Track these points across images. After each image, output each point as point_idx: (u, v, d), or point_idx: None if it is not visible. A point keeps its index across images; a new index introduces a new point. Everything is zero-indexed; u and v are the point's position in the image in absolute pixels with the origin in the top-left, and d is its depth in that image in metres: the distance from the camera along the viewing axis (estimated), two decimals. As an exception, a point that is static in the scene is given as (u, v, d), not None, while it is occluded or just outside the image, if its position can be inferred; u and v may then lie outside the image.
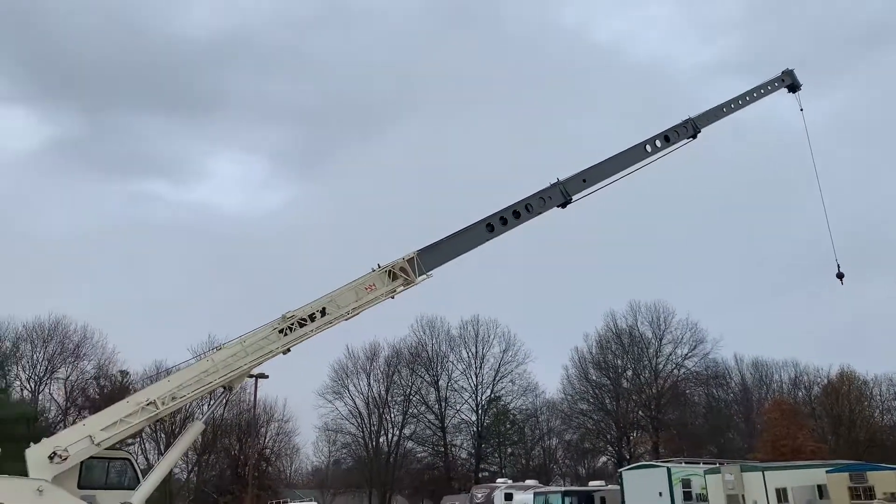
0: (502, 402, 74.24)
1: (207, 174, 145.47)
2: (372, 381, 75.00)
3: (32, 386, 56.53)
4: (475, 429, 72.72)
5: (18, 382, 54.42)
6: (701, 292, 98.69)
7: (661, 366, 70.20)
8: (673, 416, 67.77)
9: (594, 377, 72.10)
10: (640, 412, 69.50)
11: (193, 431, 19.35)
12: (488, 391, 73.57)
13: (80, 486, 16.07)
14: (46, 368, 58.06)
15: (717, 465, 34.53)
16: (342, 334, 78.10)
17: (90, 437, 16.25)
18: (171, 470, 49.86)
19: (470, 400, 73.55)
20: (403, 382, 74.62)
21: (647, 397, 68.40)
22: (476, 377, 73.49)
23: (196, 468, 62.99)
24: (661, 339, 70.27)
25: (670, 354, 70.10)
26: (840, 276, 29.66)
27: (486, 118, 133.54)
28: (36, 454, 15.70)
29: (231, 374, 18.22)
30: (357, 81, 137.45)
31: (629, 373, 71.73)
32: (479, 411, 73.03)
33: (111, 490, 16.62)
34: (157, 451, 55.16)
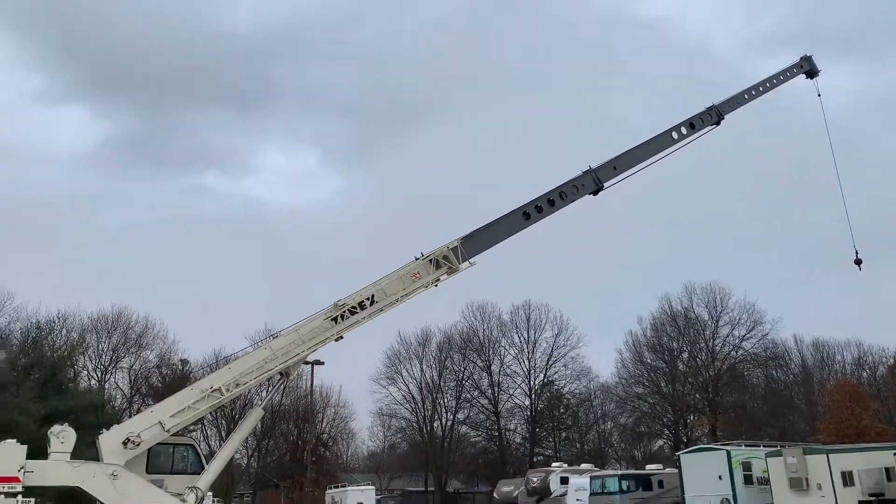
0: (556, 387, 74.03)
1: (256, 166, 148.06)
2: (424, 367, 75.62)
3: (99, 375, 58.65)
4: (529, 413, 72.73)
5: (86, 372, 56.40)
6: (759, 272, 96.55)
7: (717, 348, 68.90)
8: (731, 398, 66.52)
9: (649, 360, 71.23)
10: (696, 395, 68.44)
11: (253, 417, 19.87)
12: (541, 376, 73.50)
13: (148, 471, 16.66)
14: (111, 358, 60.12)
15: (779, 447, 33.78)
16: (393, 321, 78.78)
17: (160, 423, 16.84)
18: (233, 455, 51.34)
19: (523, 384, 73.61)
20: (456, 368, 75.01)
21: (704, 380, 67.25)
22: (528, 362, 73.46)
23: (256, 453, 64.54)
24: (717, 321, 68.95)
25: (727, 336, 68.73)
26: (858, 262, 29.30)
27: (533, 100, 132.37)
28: (110, 440, 16.29)
29: (289, 361, 18.79)
30: (403, 70, 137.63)
31: (685, 355, 70.64)
32: (533, 396, 72.97)
33: (177, 475, 17.19)
34: (218, 438, 56.65)
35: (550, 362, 73.14)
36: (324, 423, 69.68)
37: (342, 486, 49.75)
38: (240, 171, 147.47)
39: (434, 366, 75.38)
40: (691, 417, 67.61)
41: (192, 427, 21.95)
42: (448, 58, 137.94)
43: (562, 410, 74.40)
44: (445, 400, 75.87)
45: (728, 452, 33.52)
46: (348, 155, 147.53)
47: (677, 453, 38.70)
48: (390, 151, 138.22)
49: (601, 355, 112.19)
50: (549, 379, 73.59)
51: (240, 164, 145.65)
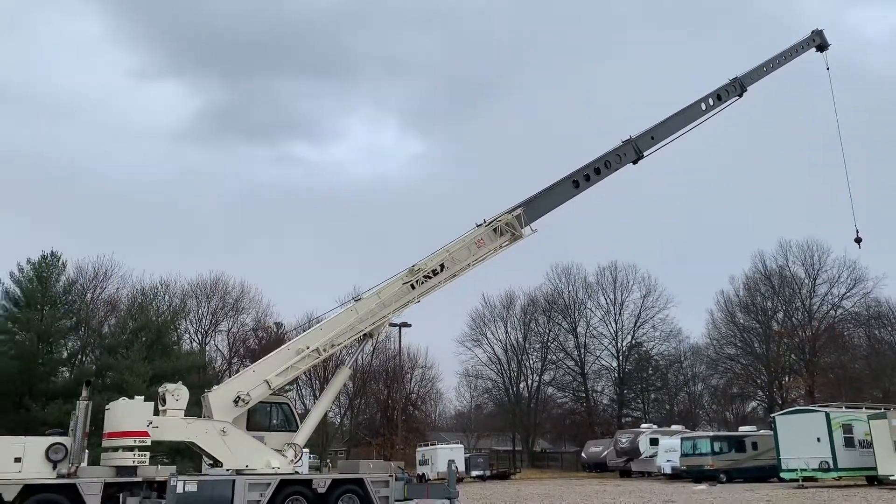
0: (644, 349, 73.07)
1: (341, 134, 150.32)
2: (509, 329, 76.02)
3: (200, 338, 61.70)
4: (616, 375, 72.14)
5: (187, 335, 59.41)
6: (860, 227, 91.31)
7: (815, 307, 66.18)
8: (829, 359, 63.84)
9: (742, 321, 69.15)
10: (792, 356, 66.09)
11: (342, 377, 20.55)
12: (629, 337, 72.64)
13: (248, 429, 17.50)
14: (210, 322, 63.12)
15: (882, 410, 32.37)
16: (477, 284, 79.44)
17: (266, 381, 17.63)
18: (326, 413, 53.13)
19: (610, 346, 72.93)
20: (541, 330, 75.06)
21: (801, 340, 64.78)
22: (616, 323, 72.65)
23: (349, 412, 66.80)
24: (815, 279, 66.10)
25: (826, 295, 65.85)
26: (858, 240, 29.39)
27: (613, 60, 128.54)
28: (220, 398, 17.12)
29: (377, 323, 19.56)
30: (483, 37, 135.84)
31: (780, 315, 68.23)
32: (620, 357, 72.28)
33: (275, 432, 17.99)
34: (312, 396, 58.87)
35: (638, 324, 72.20)
36: (412, 384, 71.33)
37: (432, 445, 50.95)
38: (326, 139, 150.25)
39: (519, 328, 75.76)
40: (787, 379, 65.41)
41: (286, 386, 22.86)
42: (528, 24, 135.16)
43: (650, 372, 73.47)
44: (531, 361, 76.27)
45: (827, 414, 32.44)
46: (428, 122, 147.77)
47: (772, 415, 37.70)
48: (469, 118, 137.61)
49: (691, 316, 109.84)
50: (637, 340, 72.71)
51: (326, 132, 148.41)
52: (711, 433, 44.57)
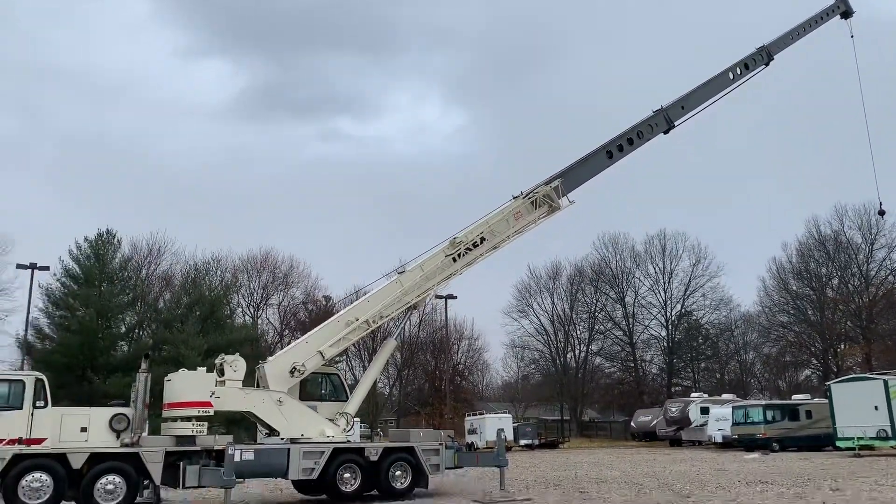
0: (694, 317, 72.12)
1: (386, 107, 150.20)
2: (556, 300, 75.81)
3: (252, 312, 63.12)
4: (665, 344, 71.44)
5: (240, 309, 60.79)
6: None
7: (872, 273, 64.20)
8: (887, 325, 62.02)
9: (795, 288, 67.59)
10: (848, 323, 64.41)
11: (389, 348, 20.82)
12: (678, 306, 71.74)
13: (301, 399, 17.90)
14: (262, 296, 64.50)
15: (944, 377, 31.47)
16: (522, 255, 79.23)
17: (320, 352, 18.00)
18: (375, 383, 53.91)
19: (659, 315, 72.18)
20: (588, 300, 74.67)
21: (857, 307, 63.02)
22: (664, 293, 71.76)
23: (398, 383, 67.70)
24: (872, 244, 63.99)
25: (884, 260, 63.76)
26: (882, 212, 29.61)
27: (662, 30, 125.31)
28: (276, 368, 17.47)
29: (422, 295, 19.80)
30: (528, 6, 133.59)
31: (835, 282, 66.42)
32: (669, 327, 71.48)
33: (326, 402, 18.37)
34: (361, 367, 59.78)
35: (688, 292, 71.23)
36: (459, 355, 71.86)
37: (480, 414, 51.39)
38: (370, 113, 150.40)
39: (565, 298, 75.47)
40: (842, 346, 63.91)
41: (336, 358, 23.31)
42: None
43: (700, 341, 72.55)
44: (578, 332, 76.03)
45: (885, 382, 31.66)
46: (471, 94, 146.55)
47: (827, 383, 36.97)
48: (514, 89, 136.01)
49: (742, 284, 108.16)
50: (687, 309, 71.79)
51: (370, 106, 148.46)
52: (764, 402, 43.99)
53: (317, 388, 18.57)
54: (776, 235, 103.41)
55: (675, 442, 48.40)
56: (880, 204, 29.13)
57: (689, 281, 70.81)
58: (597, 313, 73.85)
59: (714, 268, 70.20)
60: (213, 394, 16.29)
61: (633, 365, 71.84)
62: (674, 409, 48.24)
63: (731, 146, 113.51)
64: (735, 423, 40.04)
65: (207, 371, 16.99)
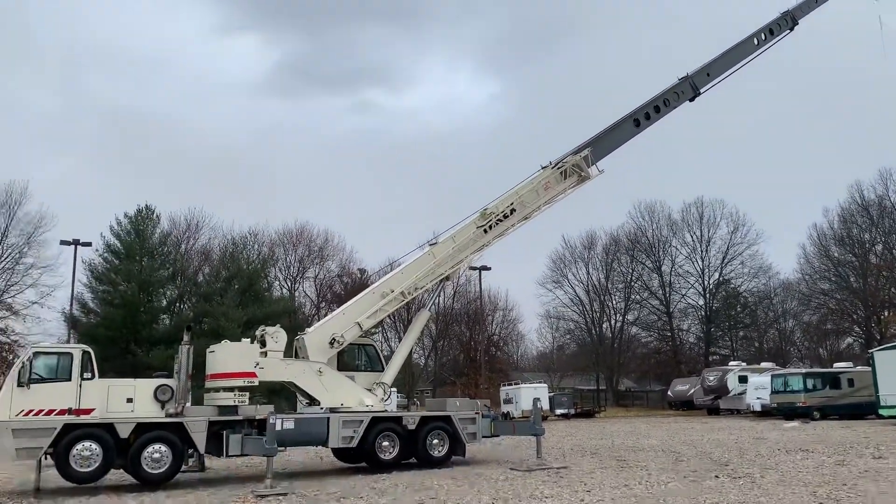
0: (732, 286, 71.16)
1: (417, 78, 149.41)
2: (591, 270, 75.42)
3: (289, 284, 63.97)
4: (703, 313, 70.69)
5: (277, 282, 61.65)
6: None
7: (918, 238, 62.62)
8: (933, 292, 60.66)
9: (836, 254, 66.14)
10: (891, 289, 62.96)
11: (422, 319, 20.98)
12: (716, 275, 70.78)
13: (338, 369, 18.15)
14: (298, 269, 65.27)
15: None
16: (556, 225, 78.73)
17: (358, 324, 18.24)
18: (411, 354, 54.35)
19: (696, 284, 71.38)
20: (623, 269, 74.16)
21: (902, 273, 61.61)
22: (702, 261, 70.87)
23: (433, 353, 68.23)
24: (918, 208, 62.35)
25: (931, 224, 62.13)
26: None
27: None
28: (316, 340, 17.75)
29: (455, 266, 20.02)
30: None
31: (878, 247, 64.82)
32: (707, 295, 70.66)
33: (363, 372, 18.61)
34: (396, 338, 60.32)
35: (726, 260, 70.22)
36: (493, 326, 72.05)
37: (515, 384, 51.61)
38: (402, 84, 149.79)
39: (601, 268, 75.05)
40: (886, 313, 62.47)
41: (373, 329, 23.55)
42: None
43: (738, 309, 71.65)
44: (614, 301, 75.65)
45: (931, 349, 30.99)
46: (503, 63, 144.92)
47: (870, 350, 36.28)
48: (546, 56, 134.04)
49: (782, 251, 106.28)
50: (725, 278, 70.82)
51: (402, 77, 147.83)
52: (804, 370, 43.37)
53: (353, 358, 18.80)
54: (817, 201, 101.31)
55: (713, 411, 48.11)
56: None
57: (728, 249, 69.88)
58: (633, 283, 73.36)
59: (753, 235, 69.20)
60: (258, 364, 16.58)
61: (669, 334, 71.33)
62: (712, 378, 47.91)
63: (771, 110, 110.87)
64: (774, 392, 39.61)
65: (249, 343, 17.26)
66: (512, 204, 20.13)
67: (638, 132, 22.00)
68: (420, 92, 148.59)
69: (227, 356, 16.80)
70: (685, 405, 52.78)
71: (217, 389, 16.65)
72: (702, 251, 70.69)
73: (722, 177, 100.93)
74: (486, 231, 19.86)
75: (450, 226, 20.16)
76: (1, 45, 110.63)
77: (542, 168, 20.91)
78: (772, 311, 72.52)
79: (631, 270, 73.32)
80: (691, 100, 23.02)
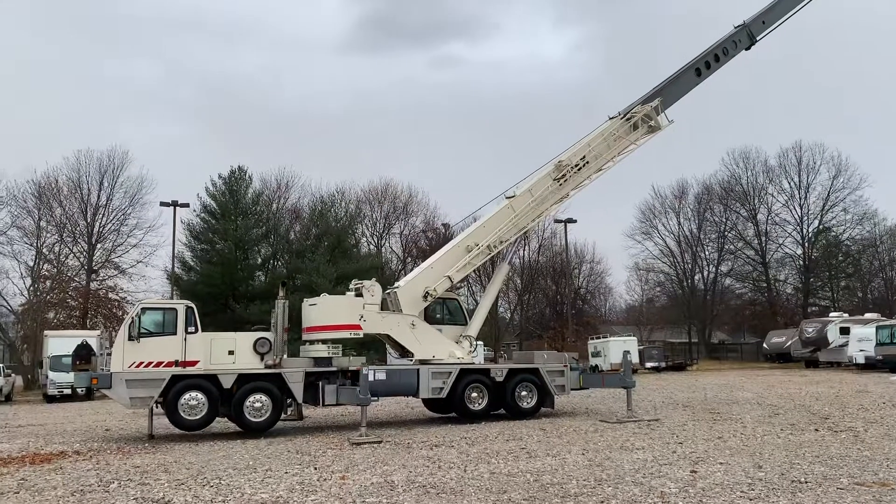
0: (833, 234, 67.73)
1: (498, 28, 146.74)
2: (682, 220, 73.29)
3: (375, 241, 65.08)
4: (801, 262, 67.74)
5: (364, 239, 62.79)
6: None
7: None
8: None
9: (951, 197, 61.89)
10: None
11: (503, 272, 21.04)
12: (815, 222, 67.46)
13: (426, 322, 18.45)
14: (384, 226, 66.23)
15: None
16: (645, 175, 76.60)
17: (448, 277, 18.50)
18: (497, 308, 54.48)
19: (794, 233, 68.26)
20: (716, 219, 71.65)
21: None
22: (800, 208, 67.54)
23: (518, 307, 68.31)
24: None
25: None
26: None
27: None
28: (409, 293, 18.04)
29: (536, 219, 20.29)
30: None
31: None
32: (806, 244, 67.56)
33: (448, 325, 18.86)
34: (480, 292, 60.67)
35: (826, 207, 66.70)
36: (580, 279, 71.34)
37: (603, 338, 51.19)
38: (483, 35, 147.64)
39: (692, 218, 72.83)
40: None
41: (458, 284, 23.70)
42: None
43: (840, 258, 68.27)
44: (706, 252, 73.47)
45: None
46: (587, 9, 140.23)
47: None
48: (629, 3, 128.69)
49: (889, 196, 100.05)
50: (825, 225, 67.43)
51: (483, 27, 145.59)
52: (913, 321, 41.11)
53: (439, 312, 19.04)
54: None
55: (812, 363, 46.46)
56: None
57: (828, 195, 66.28)
58: (726, 232, 70.86)
59: (856, 180, 65.26)
60: (361, 317, 17.00)
61: (765, 285, 68.84)
62: (810, 330, 46.15)
63: (870, 47, 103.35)
64: (879, 344, 37.81)
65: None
66: (584, 154, 20.02)
67: (700, 81, 22.04)
68: (501, 43, 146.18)
69: (333, 309, 17.21)
70: (781, 358, 51.26)
71: (313, 342, 17.24)
72: (800, 198, 67.44)
73: (821, 121, 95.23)
74: (561, 184, 19.75)
75: (525, 177, 20.14)
76: (98, 17, 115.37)
77: (611, 119, 20.83)
78: (877, 259, 68.79)
79: (724, 220, 70.84)
80: (748, 48, 22.89)
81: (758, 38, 22.97)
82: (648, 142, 20.96)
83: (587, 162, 20.02)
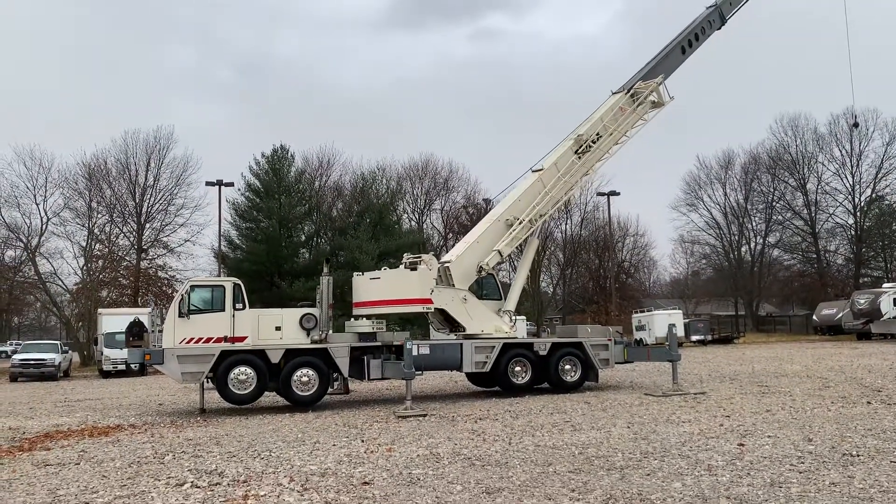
0: (887, 202, 65.71)
1: (538, 3, 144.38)
2: (728, 191, 71.91)
3: (417, 217, 65.28)
4: (853, 232, 65.91)
5: (405, 215, 62.99)
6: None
7: None
8: None
9: None
10: None
11: (533, 247, 20.92)
12: (868, 191, 65.55)
13: (467, 297, 18.48)
14: (425, 202, 66.39)
15: None
16: (689, 146, 74.89)
17: (499, 251, 18.59)
18: (539, 283, 54.17)
19: (845, 202, 66.49)
20: (764, 189, 70.13)
21: None
22: (852, 177, 65.62)
23: (561, 281, 67.97)
24: None
25: None
26: (854, 125, 27.67)
27: None
28: (462, 268, 18.07)
29: (570, 192, 20.65)
30: None
31: None
32: (858, 213, 65.70)
33: (487, 300, 18.88)
34: (511, 268, 60.52)
35: (880, 175, 64.72)
36: (623, 252, 70.60)
37: (648, 311, 50.68)
38: (523, 6, 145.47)
39: (739, 189, 71.44)
40: None
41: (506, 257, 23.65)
42: None
43: (894, 227, 66.18)
44: (754, 223, 72.06)
45: None
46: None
47: None
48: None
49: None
50: (879, 194, 65.47)
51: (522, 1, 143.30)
52: (972, 292, 39.80)
53: (476, 287, 19.04)
54: None
55: (863, 336, 45.35)
56: (854, 117, 28.57)
57: (882, 162, 64.28)
58: (774, 203, 69.32)
59: (913, 146, 62.96)
60: (433, 291, 17.09)
61: (815, 256, 67.26)
62: (862, 301, 45.00)
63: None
64: (935, 315, 36.72)
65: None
66: (598, 129, 20.35)
67: (685, 59, 22.65)
68: (540, 13, 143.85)
69: (404, 283, 17.21)
70: (832, 330, 50.17)
71: (358, 317, 17.44)
72: (852, 166, 65.50)
73: (874, 86, 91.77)
74: (580, 157, 20.02)
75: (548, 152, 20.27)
76: (140, 6, 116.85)
77: (614, 93, 21.18)
78: (934, 228, 66.55)
79: (772, 190, 69.24)
80: (719, 28, 23.49)
81: (727, 18, 23.64)
82: (657, 116, 21.52)
83: (600, 136, 20.36)
